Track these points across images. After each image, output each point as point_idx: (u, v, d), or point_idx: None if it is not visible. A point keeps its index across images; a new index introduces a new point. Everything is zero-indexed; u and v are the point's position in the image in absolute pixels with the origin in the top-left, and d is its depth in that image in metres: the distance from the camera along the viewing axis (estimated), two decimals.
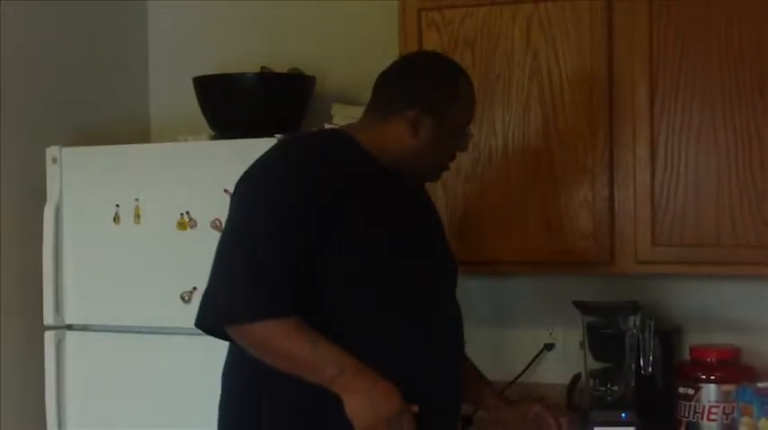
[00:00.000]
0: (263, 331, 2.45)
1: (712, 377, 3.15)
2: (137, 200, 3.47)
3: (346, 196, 2.53)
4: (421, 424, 2.48)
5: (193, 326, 2.64)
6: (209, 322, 2.54)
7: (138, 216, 3.47)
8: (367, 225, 2.54)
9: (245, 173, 2.61)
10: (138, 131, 4.11)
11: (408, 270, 2.58)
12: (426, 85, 2.64)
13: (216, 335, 2.58)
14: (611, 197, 3.18)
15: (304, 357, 2.45)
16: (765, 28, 3.02)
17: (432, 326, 2.61)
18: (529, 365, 3.59)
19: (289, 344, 2.45)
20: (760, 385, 3.06)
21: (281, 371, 2.49)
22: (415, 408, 2.46)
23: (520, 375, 3.56)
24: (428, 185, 2.83)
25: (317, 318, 2.49)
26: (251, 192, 2.57)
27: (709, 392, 3.14)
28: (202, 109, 3.76)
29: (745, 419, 2.99)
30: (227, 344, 2.62)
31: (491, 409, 2.93)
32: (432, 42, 3.31)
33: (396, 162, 2.64)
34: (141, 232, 3.48)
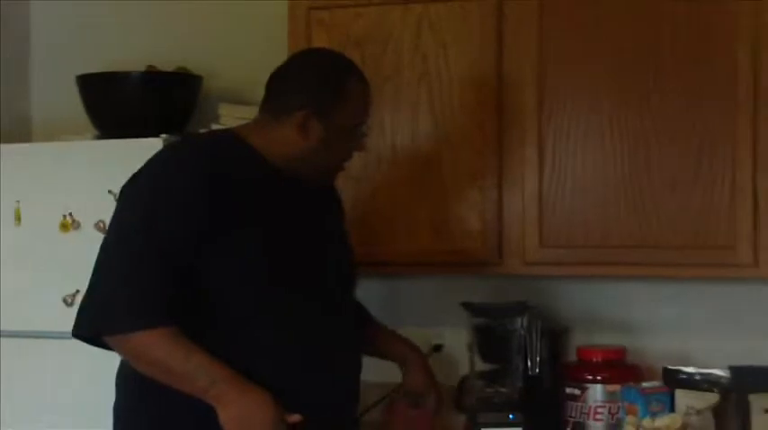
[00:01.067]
0: (137, 341, 2.43)
1: (598, 377, 3.18)
2: (17, 201, 3.39)
3: (232, 197, 2.50)
4: (308, 426, 2.46)
5: None
6: (85, 331, 2.51)
7: (18, 218, 3.40)
8: (251, 226, 2.52)
9: (133, 175, 2.57)
10: (18, 131, 4.00)
11: (291, 271, 2.57)
12: (313, 85, 2.61)
13: (93, 344, 2.54)
14: (500, 199, 3.19)
15: (176, 368, 2.43)
16: (654, 33, 3.05)
17: (317, 328, 2.59)
18: None
19: (162, 355, 2.43)
20: (645, 385, 3.10)
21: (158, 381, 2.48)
22: (295, 417, 2.44)
23: None
24: None
25: (202, 319, 2.48)
26: (136, 194, 2.54)
27: (596, 392, 3.17)
28: (87, 108, 3.69)
29: (629, 418, 3.02)
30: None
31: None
32: (320, 42, 3.28)
33: (287, 164, 2.61)
34: (22, 234, 3.41)
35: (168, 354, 2.42)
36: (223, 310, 2.50)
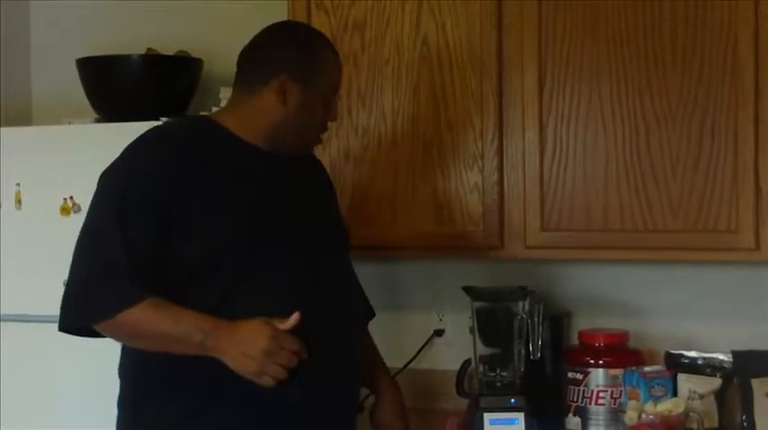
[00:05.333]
0: (125, 320, 2.47)
1: (600, 361, 3.17)
2: (18, 184, 3.39)
3: (199, 179, 2.53)
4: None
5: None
6: (72, 323, 2.56)
7: (19, 201, 3.40)
8: (216, 207, 2.54)
9: (109, 164, 2.63)
10: (19, 114, 4.00)
11: (270, 247, 2.58)
12: (288, 51, 2.64)
13: (81, 335, 2.59)
14: (501, 182, 3.18)
15: (169, 333, 2.47)
16: (654, 15, 3.03)
17: (303, 297, 2.58)
18: (419, 352, 3.59)
19: (151, 326, 2.48)
20: (647, 369, 3.10)
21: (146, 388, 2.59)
22: (292, 320, 2.45)
23: (410, 362, 3.55)
24: None
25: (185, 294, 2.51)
26: (101, 184, 2.60)
27: (598, 376, 3.16)
28: (87, 92, 3.69)
29: (632, 403, 3.02)
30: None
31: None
32: (321, 25, 3.26)
33: (266, 135, 2.63)
34: (23, 218, 3.40)
35: (157, 324, 2.47)
36: (204, 286, 2.52)
